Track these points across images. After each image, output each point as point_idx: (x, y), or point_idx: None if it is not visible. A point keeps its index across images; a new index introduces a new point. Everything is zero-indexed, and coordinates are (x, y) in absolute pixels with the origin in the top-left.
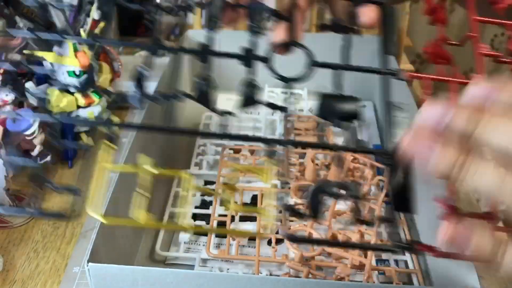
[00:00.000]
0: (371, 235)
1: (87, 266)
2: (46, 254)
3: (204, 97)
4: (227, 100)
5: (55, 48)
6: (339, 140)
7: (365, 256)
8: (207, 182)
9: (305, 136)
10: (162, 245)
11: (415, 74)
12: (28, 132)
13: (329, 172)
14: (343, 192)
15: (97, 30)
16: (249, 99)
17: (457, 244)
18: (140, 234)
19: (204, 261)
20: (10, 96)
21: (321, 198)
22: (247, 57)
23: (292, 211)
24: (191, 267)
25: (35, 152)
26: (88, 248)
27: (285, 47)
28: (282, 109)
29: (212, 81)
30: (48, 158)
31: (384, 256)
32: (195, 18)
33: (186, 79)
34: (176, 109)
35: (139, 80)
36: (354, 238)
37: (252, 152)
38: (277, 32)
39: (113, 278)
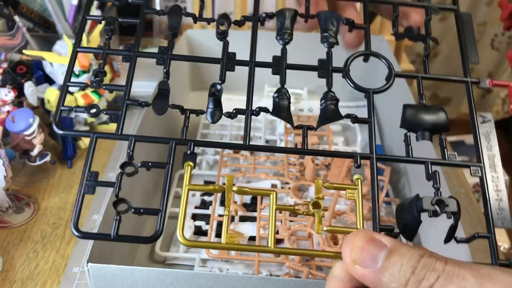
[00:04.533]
0: None
1: (87, 266)
2: (46, 254)
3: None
4: (227, 100)
5: (55, 47)
6: (339, 140)
7: None
8: (206, 182)
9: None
10: (162, 245)
11: (498, 82)
12: (27, 132)
13: (329, 172)
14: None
15: (97, 30)
16: (334, 112)
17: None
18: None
19: (204, 261)
20: (9, 96)
21: (419, 216)
22: (325, 69)
23: (387, 232)
24: (191, 267)
25: (34, 152)
26: (87, 248)
27: (365, 58)
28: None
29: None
30: (48, 158)
31: None
32: None
33: (185, 78)
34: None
35: None
36: None
37: (252, 152)
38: (351, 41)
39: (113, 278)
